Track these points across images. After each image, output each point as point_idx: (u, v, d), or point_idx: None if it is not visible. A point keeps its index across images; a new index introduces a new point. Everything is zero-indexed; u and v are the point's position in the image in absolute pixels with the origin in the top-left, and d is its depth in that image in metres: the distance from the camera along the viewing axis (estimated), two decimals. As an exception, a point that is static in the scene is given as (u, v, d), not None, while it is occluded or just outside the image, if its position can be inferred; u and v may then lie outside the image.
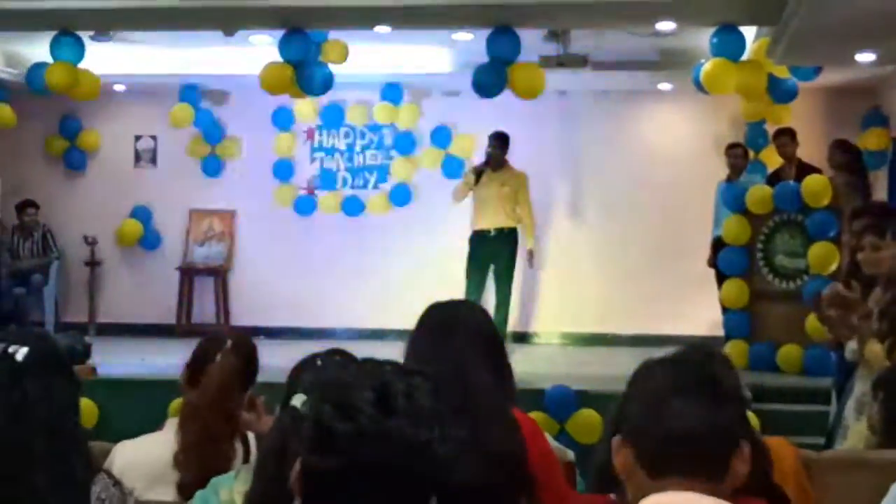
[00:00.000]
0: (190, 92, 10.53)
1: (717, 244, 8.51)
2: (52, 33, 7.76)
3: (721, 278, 8.30)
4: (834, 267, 7.34)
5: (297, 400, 2.36)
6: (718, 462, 1.76)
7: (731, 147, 9.18)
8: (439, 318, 2.74)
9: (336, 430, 1.48)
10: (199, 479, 2.51)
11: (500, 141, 9.06)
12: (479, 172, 8.99)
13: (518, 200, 9.05)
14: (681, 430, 1.75)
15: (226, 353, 3.00)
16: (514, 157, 9.20)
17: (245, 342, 3.09)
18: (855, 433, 4.34)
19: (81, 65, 7.91)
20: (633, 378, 1.88)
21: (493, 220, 8.99)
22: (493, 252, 9.01)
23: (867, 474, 3.33)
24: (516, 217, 9.06)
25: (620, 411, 1.88)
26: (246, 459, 2.89)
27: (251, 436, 2.97)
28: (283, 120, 10.70)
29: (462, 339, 2.66)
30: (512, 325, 9.50)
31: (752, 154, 9.41)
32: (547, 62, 8.09)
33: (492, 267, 9.04)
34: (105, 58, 8.66)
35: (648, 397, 1.81)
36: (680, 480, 1.74)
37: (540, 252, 9.79)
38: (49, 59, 7.82)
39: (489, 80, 7.49)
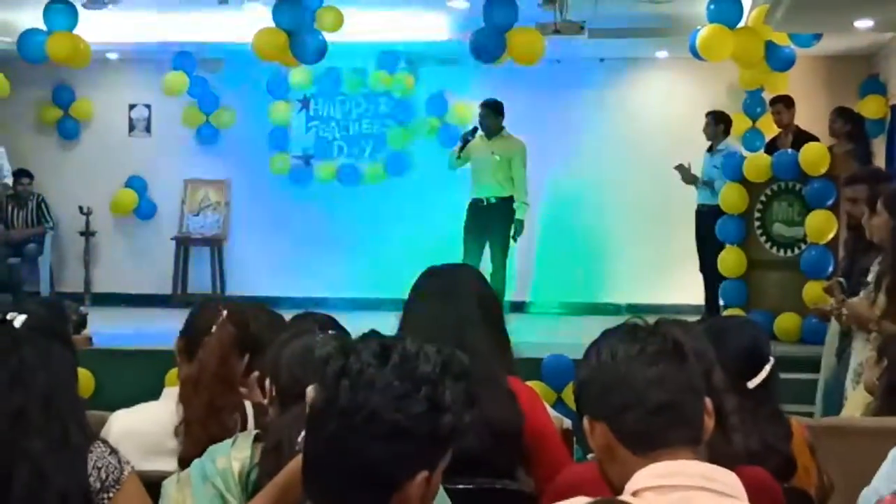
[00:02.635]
0: (184, 60, 10.44)
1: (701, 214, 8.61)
2: (45, 1, 7.69)
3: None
4: (831, 235, 7.33)
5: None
6: (697, 421, 1.77)
7: (706, 114, 8.96)
8: (438, 283, 2.68)
9: (329, 365, 1.54)
10: (201, 451, 2.50)
11: (488, 109, 8.97)
12: (465, 141, 8.94)
13: (511, 169, 9.00)
14: (660, 399, 1.73)
15: (222, 324, 2.97)
16: (509, 125, 9.14)
17: (240, 310, 3.06)
18: (853, 402, 4.34)
19: (74, 32, 7.84)
20: (591, 357, 1.82)
21: (486, 189, 8.95)
22: (489, 221, 8.97)
23: (865, 441, 3.34)
24: (510, 186, 9.01)
25: (583, 393, 1.83)
26: (243, 427, 2.87)
27: (248, 404, 2.96)
28: (278, 88, 10.62)
29: (462, 305, 2.61)
30: (509, 294, 9.49)
31: (734, 123, 9.20)
32: (544, 29, 8.03)
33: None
34: (98, 25, 8.57)
35: (618, 373, 1.76)
36: (668, 451, 1.73)
37: (536, 221, 9.75)
38: (41, 26, 7.73)
39: (488, 45, 7.44)
